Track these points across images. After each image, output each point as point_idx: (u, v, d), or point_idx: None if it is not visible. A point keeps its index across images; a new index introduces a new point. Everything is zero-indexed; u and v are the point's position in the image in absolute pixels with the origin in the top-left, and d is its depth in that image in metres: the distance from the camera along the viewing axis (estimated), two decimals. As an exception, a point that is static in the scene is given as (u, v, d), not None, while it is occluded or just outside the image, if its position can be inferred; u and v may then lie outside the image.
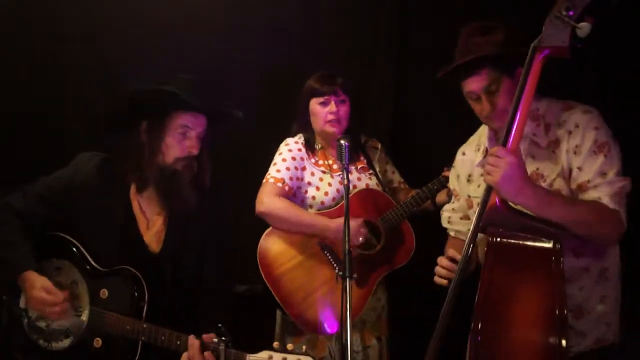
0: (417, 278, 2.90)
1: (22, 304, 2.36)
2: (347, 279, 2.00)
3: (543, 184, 2.04)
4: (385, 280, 2.91)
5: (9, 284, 2.34)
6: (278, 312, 2.87)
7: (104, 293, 2.30)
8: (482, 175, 2.07)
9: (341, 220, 2.51)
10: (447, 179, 2.83)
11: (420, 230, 2.92)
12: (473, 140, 2.38)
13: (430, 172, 2.97)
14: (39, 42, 3.19)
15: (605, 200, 1.92)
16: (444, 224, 2.46)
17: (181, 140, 2.31)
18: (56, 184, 2.38)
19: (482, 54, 2.04)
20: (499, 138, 1.95)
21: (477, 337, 1.74)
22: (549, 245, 1.84)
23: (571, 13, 1.81)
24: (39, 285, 2.25)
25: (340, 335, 1.95)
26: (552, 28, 1.84)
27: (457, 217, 2.41)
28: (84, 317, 2.31)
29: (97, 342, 2.27)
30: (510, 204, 1.90)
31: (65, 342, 2.32)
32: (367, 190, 2.90)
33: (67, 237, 2.37)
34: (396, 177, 3.13)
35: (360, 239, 2.72)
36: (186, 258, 2.37)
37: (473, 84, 2.10)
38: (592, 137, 1.99)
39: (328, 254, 2.78)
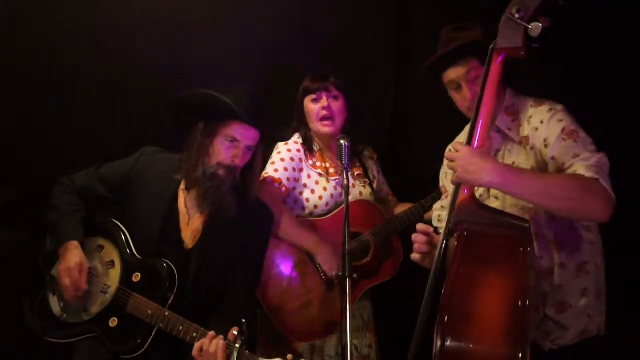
0: (406, 286, 2.92)
1: (54, 271, 2.42)
2: (347, 279, 2.07)
3: None
4: (371, 288, 2.89)
5: (52, 251, 2.44)
6: (259, 312, 2.80)
7: (137, 277, 2.37)
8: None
9: (330, 245, 2.66)
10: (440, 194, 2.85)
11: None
12: (461, 138, 2.35)
13: (430, 174, 2.99)
14: (38, 43, 3.16)
15: (582, 172, 1.88)
16: (434, 223, 2.43)
17: (228, 148, 2.37)
18: (117, 170, 2.52)
19: (462, 43, 2.10)
20: None
21: (443, 330, 1.71)
22: (515, 236, 1.83)
23: (523, 14, 1.84)
24: (77, 259, 2.34)
25: (341, 336, 1.98)
26: (506, 29, 1.88)
27: (446, 215, 2.33)
28: (109, 295, 2.37)
29: (113, 322, 2.33)
30: (479, 199, 1.92)
31: (83, 317, 2.38)
32: (361, 202, 2.89)
33: (117, 222, 2.48)
34: (385, 189, 3.11)
35: (333, 273, 2.72)
36: (215, 261, 2.41)
37: (453, 73, 2.15)
38: (559, 127, 2.00)
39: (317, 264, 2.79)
